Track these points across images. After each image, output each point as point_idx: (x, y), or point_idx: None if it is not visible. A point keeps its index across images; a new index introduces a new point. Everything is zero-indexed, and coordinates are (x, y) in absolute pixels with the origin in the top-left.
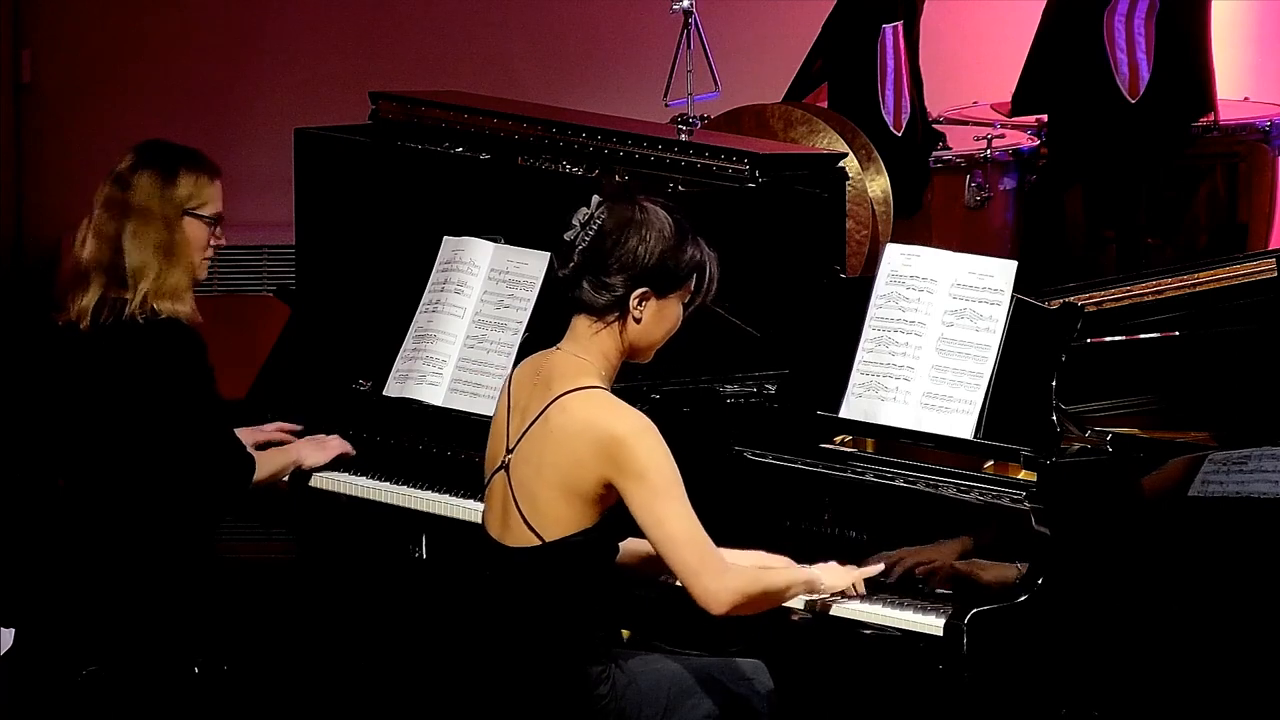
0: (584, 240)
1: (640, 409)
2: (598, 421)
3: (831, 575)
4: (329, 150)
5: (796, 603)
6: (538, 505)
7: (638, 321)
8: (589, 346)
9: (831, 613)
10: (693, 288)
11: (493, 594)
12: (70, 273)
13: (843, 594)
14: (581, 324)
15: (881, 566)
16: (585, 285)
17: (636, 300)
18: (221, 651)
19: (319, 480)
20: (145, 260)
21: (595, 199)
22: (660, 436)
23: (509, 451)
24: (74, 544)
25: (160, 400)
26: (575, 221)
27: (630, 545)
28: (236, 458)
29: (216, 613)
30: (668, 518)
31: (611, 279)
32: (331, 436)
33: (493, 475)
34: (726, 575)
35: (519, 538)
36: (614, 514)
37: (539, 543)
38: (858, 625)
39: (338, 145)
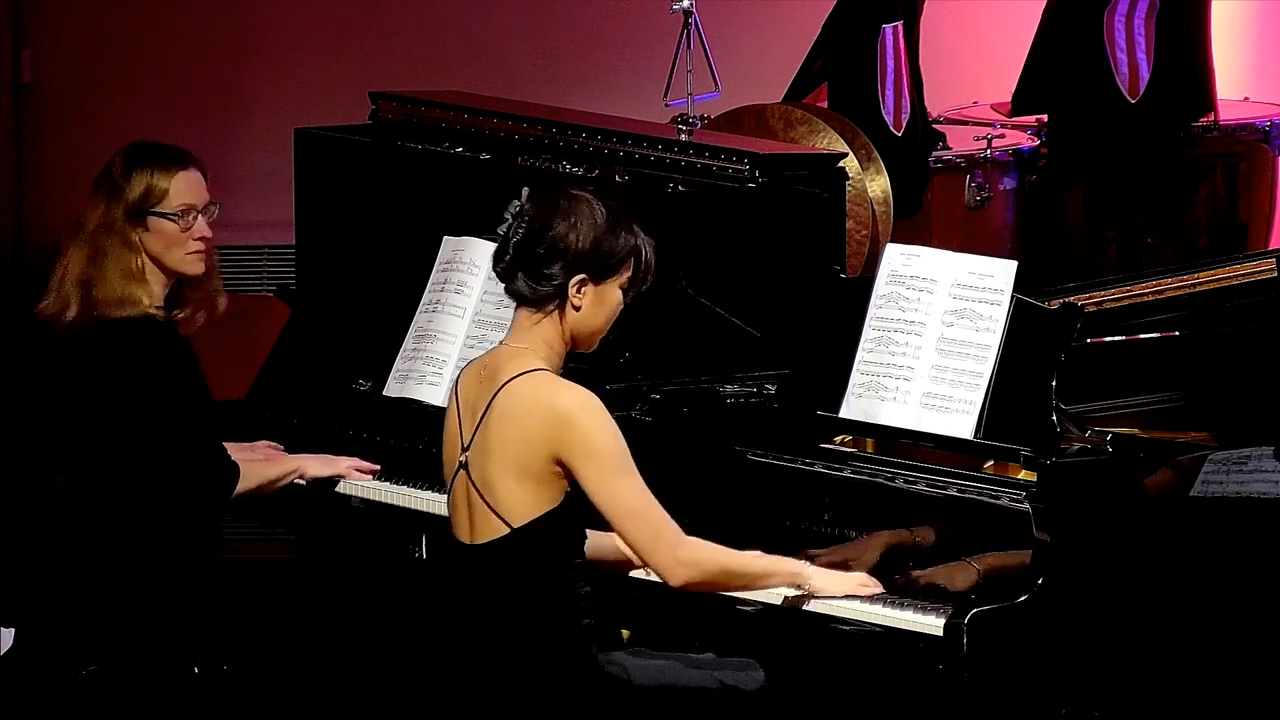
0: (517, 233)
1: (640, 409)
2: (542, 399)
3: (821, 578)
4: (329, 150)
5: (775, 598)
6: (498, 493)
7: (577, 309)
8: (531, 337)
9: (831, 612)
10: (630, 272)
11: (477, 595)
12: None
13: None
14: (523, 316)
15: (879, 591)
16: (522, 277)
17: (575, 288)
18: (221, 651)
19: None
20: (79, 269)
21: (525, 191)
22: (606, 411)
23: (465, 450)
24: (74, 544)
25: (121, 403)
26: (507, 215)
27: (596, 540)
28: (212, 465)
29: (216, 613)
30: (620, 494)
31: (548, 269)
32: (343, 458)
33: (453, 479)
34: (682, 548)
35: (487, 531)
36: (576, 494)
37: (508, 530)
38: (856, 624)
39: (338, 145)
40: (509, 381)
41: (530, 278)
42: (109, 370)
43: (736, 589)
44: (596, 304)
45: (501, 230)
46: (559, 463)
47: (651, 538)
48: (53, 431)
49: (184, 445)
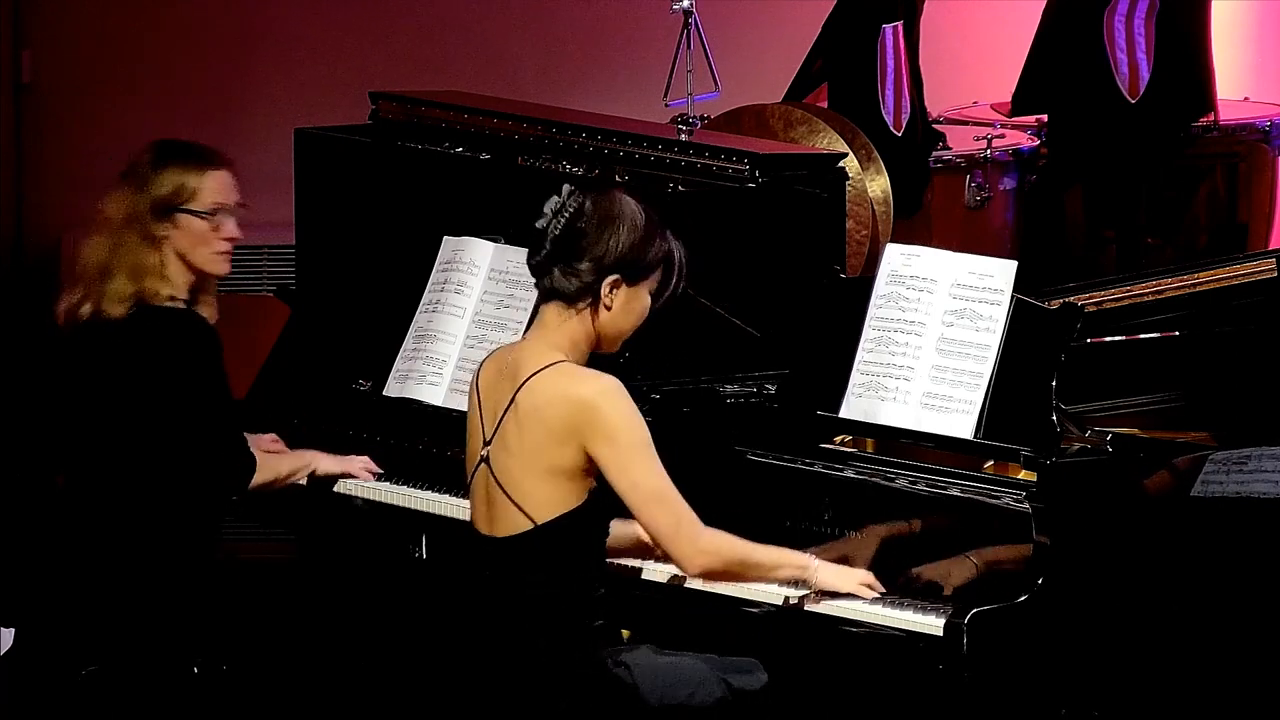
0: (556, 228)
1: (640, 409)
2: (564, 390)
3: (826, 572)
4: (329, 150)
5: (776, 598)
6: (522, 490)
7: (608, 309)
8: (557, 334)
9: (832, 613)
10: (660, 278)
11: (489, 589)
12: (68, 273)
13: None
14: (551, 313)
15: (881, 591)
16: (557, 272)
17: (608, 287)
18: (221, 651)
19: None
20: (118, 262)
21: (566, 188)
22: (628, 397)
23: (486, 444)
24: (74, 544)
25: (144, 394)
26: (547, 210)
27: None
28: (235, 456)
29: (216, 613)
30: (642, 480)
31: (583, 266)
32: (357, 457)
33: (474, 472)
34: (701, 537)
35: (509, 525)
36: (600, 491)
37: (531, 525)
38: (857, 624)
39: (338, 145)
40: (531, 376)
41: (565, 274)
42: (137, 359)
43: (750, 579)
44: (627, 306)
45: (540, 225)
46: (583, 452)
47: (673, 524)
48: (57, 428)
49: (209, 435)
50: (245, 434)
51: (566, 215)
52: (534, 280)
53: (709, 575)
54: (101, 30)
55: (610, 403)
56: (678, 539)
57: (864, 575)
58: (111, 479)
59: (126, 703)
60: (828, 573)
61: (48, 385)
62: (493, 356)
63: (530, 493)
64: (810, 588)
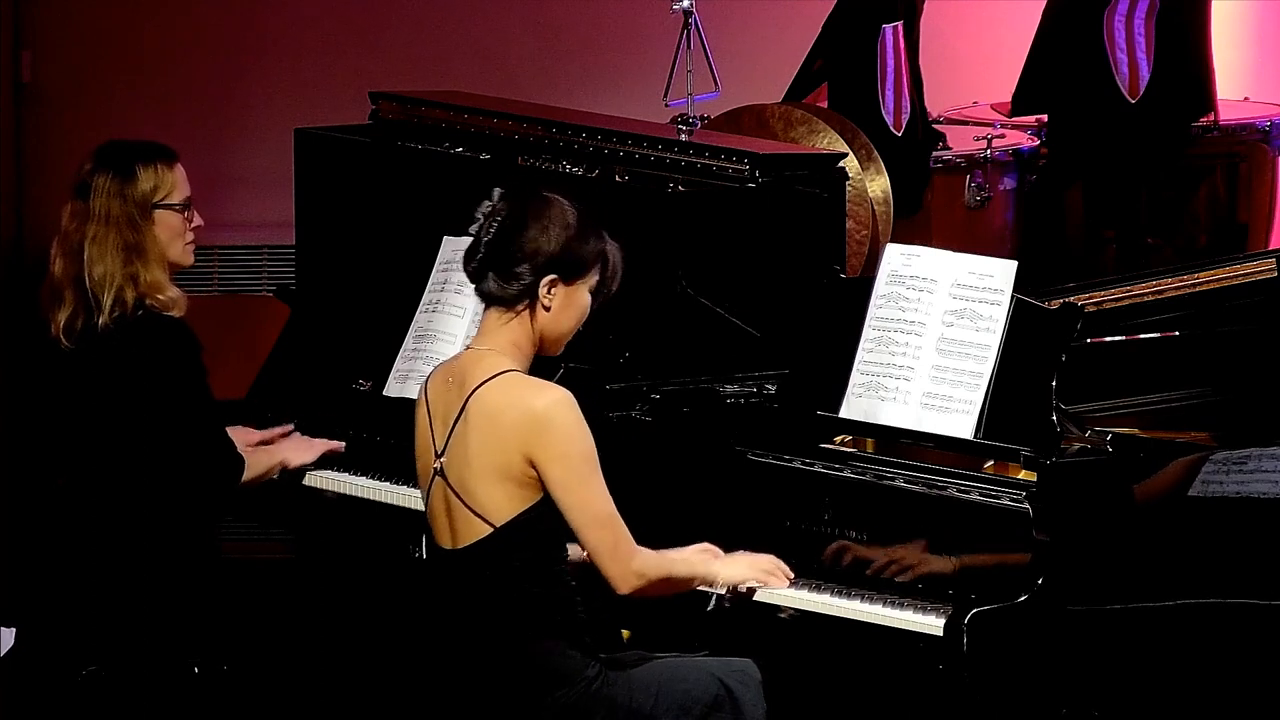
0: (489, 232)
1: (640, 409)
2: (515, 401)
3: (729, 569)
4: (329, 150)
5: (775, 597)
6: (479, 497)
7: (547, 310)
8: (498, 338)
9: (830, 612)
10: (598, 275)
11: (461, 601)
12: (48, 290)
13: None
14: (492, 317)
15: (788, 575)
16: (493, 277)
17: (546, 288)
18: (221, 651)
19: (318, 480)
20: (108, 268)
21: (497, 191)
22: (579, 411)
23: (439, 456)
24: (74, 544)
25: (143, 399)
26: (479, 215)
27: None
28: (225, 456)
29: (216, 613)
30: (588, 499)
31: (519, 269)
32: (318, 439)
33: (430, 486)
34: (635, 559)
35: (469, 533)
36: None
37: (491, 529)
38: (857, 625)
39: (338, 145)
40: (480, 386)
41: (501, 277)
42: (135, 367)
43: (673, 592)
44: (566, 305)
45: (473, 230)
46: (532, 463)
47: (611, 545)
48: (59, 431)
49: (197, 437)
50: (244, 427)
51: (498, 220)
52: (475, 286)
53: (637, 594)
54: (101, 30)
55: (562, 417)
56: (615, 560)
57: (765, 562)
58: (112, 481)
59: (126, 703)
60: (730, 570)
61: (48, 390)
62: (438, 369)
63: (487, 499)
64: (805, 593)
